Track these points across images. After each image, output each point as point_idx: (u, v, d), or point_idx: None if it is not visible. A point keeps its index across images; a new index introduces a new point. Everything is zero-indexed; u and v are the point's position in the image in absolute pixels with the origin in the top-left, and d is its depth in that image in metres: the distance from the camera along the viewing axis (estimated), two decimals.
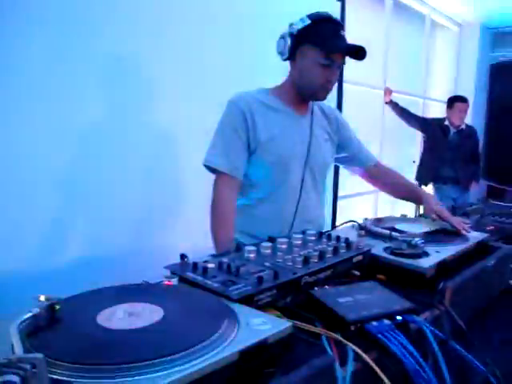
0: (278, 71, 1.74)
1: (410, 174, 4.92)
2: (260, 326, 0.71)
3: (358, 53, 1.59)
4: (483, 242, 1.46)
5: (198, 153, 1.68)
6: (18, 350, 0.57)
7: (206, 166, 1.61)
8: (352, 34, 3.74)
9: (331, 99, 3.61)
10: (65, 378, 0.55)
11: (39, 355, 0.51)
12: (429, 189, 4.90)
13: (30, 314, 0.67)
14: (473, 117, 5.17)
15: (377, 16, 4.83)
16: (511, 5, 5.28)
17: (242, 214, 1.66)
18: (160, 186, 2.44)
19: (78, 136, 2.12)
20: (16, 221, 1.95)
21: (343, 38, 1.59)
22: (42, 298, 0.73)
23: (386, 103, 4.73)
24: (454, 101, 4.49)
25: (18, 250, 1.94)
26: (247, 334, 0.68)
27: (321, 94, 1.65)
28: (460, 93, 4.99)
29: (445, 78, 6.31)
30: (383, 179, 1.93)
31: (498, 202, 2.65)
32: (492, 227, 1.82)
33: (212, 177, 1.65)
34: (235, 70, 2.61)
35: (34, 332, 0.66)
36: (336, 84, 3.49)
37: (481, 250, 1.42)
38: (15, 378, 0.48)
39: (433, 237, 1.44)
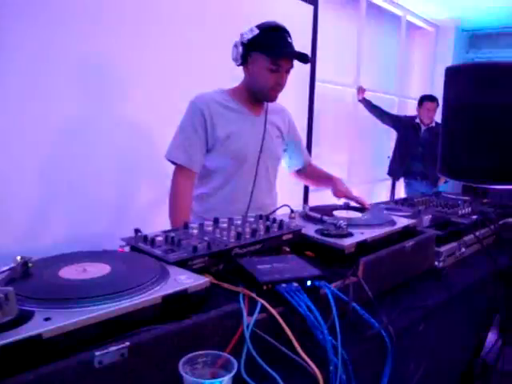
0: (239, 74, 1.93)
1: (383, 169, 5.15)
2: (184, 280, 0.92)
3: (303, 57, 1.80)
4: (410, 227, 1.67)
5: (165, 145, 1.89)
6: None
7: (167, 159, 1.83)
8: (326, 36, 3.97)
9: (303, 97, 3.83)
10: (29, 308, 0.76)
11: (10, 288, 0.72)
12: (400, 184, 5.13)
13: (7, 267, 0.88)
14: None
15: (351, 18, 5.01)
16: (486, 7, 5.49)
17: (201, 202, 1.89)
18: (133, 176, 2.64)
19: (59, 130, 2.30)
20: (3, 205, 2.14)
21: (289, 45, 1.79)
22: (19, 257, 0.93)
23: (359, 101, 4.92)
24: (423, 100, 4.70)
25: (6, 233, 2.14)
26: (172, 285, 0.90)
27: (271, 96, 1.87)
28: (435, 92, 5.20)
29: (421, 78, 6.52)
30: (307, 174, 2.21)
31: (453, 195, 2.85)
32: (429, 216, 2.03)
33: None
34: (206, 68, 2.79)
35: (9, 280, 0.88)
36: (308, 83, 3.71)
37: (408, 235, 1.62)
38: None
39: (365, 221, 1.64)
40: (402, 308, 1.33)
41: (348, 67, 5.00)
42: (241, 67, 1.88)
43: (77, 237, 2.34)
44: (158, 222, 2.02)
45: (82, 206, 2.42)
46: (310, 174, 2.21)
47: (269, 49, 1.76)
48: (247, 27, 1.83)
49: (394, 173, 5.00)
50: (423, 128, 4.74)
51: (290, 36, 1.80)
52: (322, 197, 4.61)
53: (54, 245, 2.28)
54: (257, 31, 1.76)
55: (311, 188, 4.06)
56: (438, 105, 4.64)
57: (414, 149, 4.76)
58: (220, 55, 2.38)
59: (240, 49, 1.79)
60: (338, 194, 1.97)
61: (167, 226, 1.73)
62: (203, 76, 2.65)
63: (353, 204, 1.89)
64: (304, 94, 3.79)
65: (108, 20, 2.44)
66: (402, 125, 4.89)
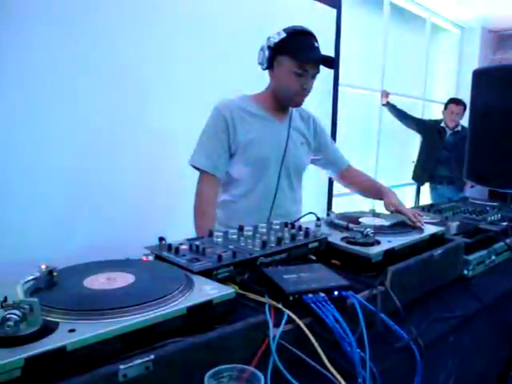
0: (265, 78, 1.91)
1: (409, 174, 5.08)
2: (209, 290, 0.90)
3: (330, 62, 1.78)
4: (438, 235, 1.63)
5: (189, 152, 1.88)
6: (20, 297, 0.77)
7: (191, 164, 1.82)
8: (349, 39, 3.94)
9: (327, 102, 3.80)
10: (54, 319, 0.76)
11: (35, 299, 0.72)
12: (425, 189, 5.06)
13: (31, 277, 0.88)
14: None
15: (375, 20, 4.97)
16: None
17: (224, 209, 1.88)
18: (155, 182, 2.64)
19: (83, 137, 2.33)
20: (31, 213, 2.16)
21: (316, 49, 1.77)
22: (43, 266, 0.93)
23: (384, 105, 4.88)
24: (448, 102, 4.63)
25: (34, 237, 2.16)
26: (197, 296, 0.88)
27: (297, 101, 1.84)
28: (461, 95, 5.12)
29: (446, 80, 6.43)
30: (353, 181, 2.13)
31: (481, 201, 2.79)
32: (458, 223, 1.98)
33: None
34: (224, 75, 2.79)
35: (35, 290, 0.87)
36: (331, 87, 3.68)
37: (436, 242, 1.59)
38: (17, 313, 0.69)
39: (391, 229, 1.61)
40: (432, 319, 1.29)
41: (372, 71, 4.96)
42: (266, 72, 1.86)
43: (98, 243, 2.34)
44: (180, 229, 2.02)
45: (104, 213, 2.44)
46: (355, 181, 2.14)
47: (296, 53, 1.74)
48: (270, 32, 1.81)
49: (419, 178, 4.93)
50: (449, 132, 4.66)
51: (316, 40, 1.78)
52: (346, 203, 4.61)
53: (76, 251, 2.28)
54: (284, 35, 1.75)
55: (335, 193, 4.03)
56: (464, 109, 4.55)
57: (439, 153, 4.68)
58: (243, 60, 2.37)
59: (266, 52, 1.77)
60: (389, 207, 1.86)
61: (189, 233, 1.72)
62: (227, 81, 2.65)
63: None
64: (327, 99, 3.76)
65: (131, 26, 2.46)
66: (426, 129, 4.82)
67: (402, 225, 1.68)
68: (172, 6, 2.61)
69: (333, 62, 1.78)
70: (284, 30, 1.77)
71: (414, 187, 5.25)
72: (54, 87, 2.20)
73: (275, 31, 1.80)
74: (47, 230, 2.25)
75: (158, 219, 2.65)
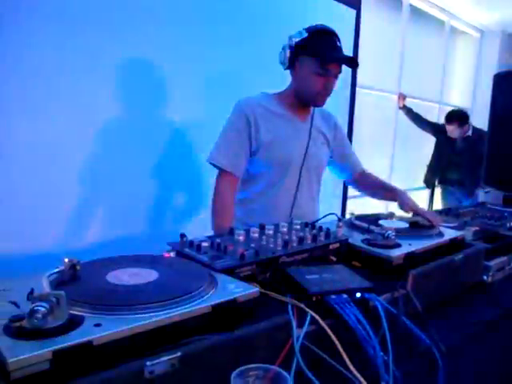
0: (286, 76, 1.91)
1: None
2: (233, 289, 0.90)
3: (352, 62, 1.76)
4: (458, 240, 1.61)
5: (207, 150, 1.88)
6: (47, 290, 0.77)
7: (210, 162, 1.81)
8: (367, 40, 3.92)
9: (343, 103, 3.78)
10: (79, 313, 0.75)
11: (61, 292, 0.71)
12: (436, 191, 5.03)
13: (56, 270, 0.88)
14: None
15: (393, 22, 4.95)
16: None
17: (243, 207, 1.87)
18: (172, 178, 2.64)
19: (98, 133, 2.33)
20: (46, 209, 2.17)
21: (338, 49, 1.75)
22: (66, 260, 0.93)
23: (400, 108, 4.85)
24: (444, 119, 4.63)
25: (47, 233, 2.17)
26: (221, 294, 0.87)
27: (318, 101, 1.83)
28: (477, 99, 5.10)
29: (464, 84, 6.38)
30: (365, 183, 2.12)
31: (497, 206, 2.76)
32: (477, 228, 1.96)
33: None
34: (244, 73, 2.79)
35: (58, 283, 0.87)
36: (349, 88, 3.66)
37: (456, 247, 1.57)
38: (45, 305, 0.68)
39: (411, 232, 1.60)
40: (452, 324, 1.28)
41: (389, 73, 4.93)
42: (287, 71, 1.85)
43: (113, 239, 2.35)
44: (195, 225, 2.03)
45: (119, 209, 2.44)
46: (367, 183, 2.13)
47: (318, 52, 1.72)
48: (290, 31, 1.80)
49: (429, 181, 4.92)
50: (458, 138, 4.65)
51: (339, 40, 1.77)
52: (361, 204, 4.59)
53: (92, 246, 2.30)
54: (306, 34, 1.73)
55: (350, 194, 4.01)
56: (460, 123, 4.54)
57: (450, 157, 4.68)
58: (264, 59, 2.36)
59: (288, 52, 1.76)
60: (405, 207, 1.85)
61: (206, 230, 1.72)
62: (247, 79, 2.65)
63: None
64: (345, 100, 3.74)
65: (150, 21, 2.46)
66: (440, 132, 4.81)
67: (422, 228, 1.67)
68: (194, 3, 2.61)
69: (356, 62, 1.76)
70: (306, 30, 1.75)
71: (428, 191, 5.22)
72: (71, 82, 2.21)
73: (295, 31, 1.79)
74: (61, 224, 2.25)
75: (174, 217, 2.66)
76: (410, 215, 1.82)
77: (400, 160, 5.26)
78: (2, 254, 2.01)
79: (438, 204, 4.93)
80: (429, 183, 4.93)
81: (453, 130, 4.58)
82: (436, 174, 4.80)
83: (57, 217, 2.22)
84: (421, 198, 5.68)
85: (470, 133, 4.60)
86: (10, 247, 2.04)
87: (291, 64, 1.79)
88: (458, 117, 4.56)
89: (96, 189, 2.36)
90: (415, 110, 4.88)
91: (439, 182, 4.86)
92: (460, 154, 4.62)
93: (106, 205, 2.41)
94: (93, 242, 2.32)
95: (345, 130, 3.77)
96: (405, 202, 1.84)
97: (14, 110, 2.05)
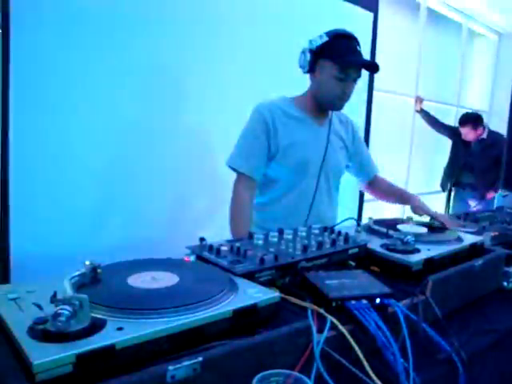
0: (304, 80, 1.90)
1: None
2: (254, 294, 0.90)
3: (373, 67, 1.76)
4: (477, 245, 1.59)
5: (226, 153, 1.88)
6: (70, 293, 0.77)
7: (228, 165, 1.81)
8: (384, 43, 3.90)
9: (361, 106, 3.77)
10: (101, 317, 0.76)
11: (84, 296, 0.72)
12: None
13: (78, 272, 0.88)
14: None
15: (411, 25, 4.92)
16: None
17: (260, 211, 1.87)
18: (190, 181, 2.65)
19: (115, 137, 2.34)
20: (63, 211, 2.19)
21: (358, 54, 1.75)
22: (88, 262, 0.93)
23: (417, 111, 4.83)
24: (458, 123, 4.62)
25: (67, 235, 2.18)
26: (242, 299, 0.87)
27: (337, 105, 1.82)
28: (495, 102, 5.06)
29: (482, 87, 6.33)
30: (379, 189, 2.12)
31: None
32: (496, 233, 1.94)
33: None
34: (262, 77, 2.78)
35: (80, 286, 0.88)
36: (366, 92, 3.65)
37: (475, 252, 1.55)
38: (69, 308, 0.69)
39: (430, 237, 1.58)
40: (473, 331, 1.27)
41: (407, 76, 4.91)
42: (307, 75, 1.85)
43: (131, 242, 2.36)
44: (214, 229, 2.03)
45: (137, 211, 2.45)
46: (381, 188, 2.14)
47: (338, 56, 1.72)
48: (309, 34, 1.80)
49: (444, 184, 4.91)
50: (473, 141, 4.63)
51: (359, 44, 1.76)
52: (377, 208, 4.57)
53: (110, 249, 2.30)
54: (326, 38, 1.73)
55: (366, 199, 3.99)
56: (474, 125, 4.53)
57: (465, 160, 4.68)
58: (282, 62, 2.36)
59: (308, 55, 1.76)
60: (418, 211, 1.86)
61: (223, 233, 1.72)
62: (266, 82, 2.65)
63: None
64: (362, 103, 3.73)
65: (170, 24, 2.47)
66: (454, 135, 4.81)
67: (441, 233, 1.65)
68: (212, 6, 2.62)
69: (376, 67, 1.75)
70: (326, 34, 1.75)
71: (445, 195, 5.20)
72: (90, 84, 2.22)
73: (314, 34, 1.78)
74: (77, 226, 2.27)
75: (192, 220, 2.66)
76: (425, 219, 1.81)
77: (417, 164, 5.22)
78: (18, 255, 2.04)
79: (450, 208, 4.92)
80: (445, 186, 4.92)
81: (467, 133, 4.57)
82: (451, 177, 4.79)
83: (73, 218, 2.23)
84: (438, 202, 5.65)
85: (485, 136, 4.60)
86: (27, 248, 2.06)
87: (311, 68, 1.79)
88: (472, 119, 4.55)
89: (113, 190, 2.37)
90: (432, 113, 4.85)
91: (453, 185, 4.84)
92: (474, 157, 4.61)
93: (122, 206, 2.42)
94: (110, 243, 2.32)
95: (362, 133, 3.79)
96: (417, 206, 1.85)
97: (31, 110, 2.07)
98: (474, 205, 4.69)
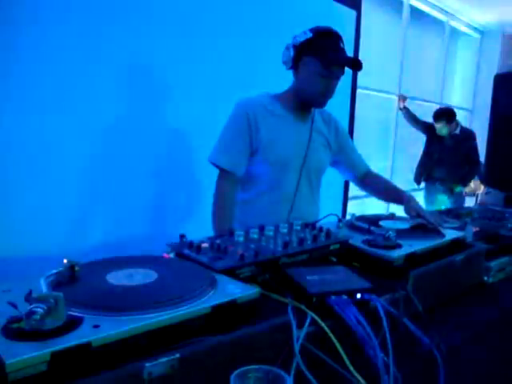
0: (287, 76, 1.89)
1: None
2: (233, 290, 0.89)
3: (357, 64, 1.76)
4: (459, 240, 1.60)
5: (207, 150, 1.87)
6: (45, 291, 0.76)
7: (210, 162, 1.81)
8: (367, 41, 3.92)
9: (344, 104, 3.78)
10: (78, 314, 0.75)
11: (60, 294, 0.71)
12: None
13: (54, 271, 0.87)
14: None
15: (394, 23, 4.95)
16: None
17: (242, 207, 1.86)
18: (172, 179, 2.64)
19: (99, 133, 2.33)
20: (45, 211, 2.17)
21: (342, 51, 1.74)
22: (65, 261, 0.92)
23: (400, 109, 4.89)
24: (433, 118, 4.72)
25: (47, 236, 2.16)
26: (221, 295, 0.87)
27: (320, 102, 1.82)
28: (478, 100, 5.13)
29: (464, 85, 6.39)
30: (372, 185, 2.09)
31: (497, 207, 2.76)
32: (477, 228, 1.96)
33: None
34: (244, 74, 2.78)
35: (57, 284, 0.86)
36: (349, 89, 3.66)
37: (456, 247, 1.56)
38: (43, 306, 0.68)
39: (412, 233, 1.59)
40: (453, 325, 1.27)
41: (390, 74, 4.94)
42: (288, 72, 1.84)
43: (113, 241, 2.35)
44: (196, 226, 2.02)
45: (119, 210, 2.44)
46: (375, 185, 2.11)
47: (321, 53, 1.71)
48: (290, 31, 1.80)
49: (417, 178, 4.99)
50: (446, 136, 4.71)
51: (342, 42, 1.76)
52: (361, 206, 4.59)
53: (92, 248, 2.29)
54: (310, 34, 1.72)
55: (350, 196, 4.01)
56: (448, 120, 4.64)
57: (437, 155, 4.80)
58: (263, 59, 2.36)
59: (291, 51, 1.75)
60: (411, 212, 1.81)
61: (205, 230, 1.71)
62: (247, 79, 2.64)
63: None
64: (345, 101, 3.74)
65: (151, 22, 2.46)
66: (429, 131, 4.90)
67: (423, 228, 1.66)
68: (194, 4, 2.61)
69: (359, 65, 1.75)
70: (310, 30, 1.74)
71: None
72: (70, 85, 2.21)
73: (297, 31, 1.78)
74: (60, 226, 2.25)
75: (175, 217, 2.66)
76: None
77: (400, 161, 5.26)
78: (2, 255, 2.01)
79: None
80: (417, 180, 5.00)
81: (441, 128, 4.68)
82: (423, 170, 4.88)
83: (57, 218, 2.22)
84: (419, 199, 5.69)
85: (457, 131, 4.70)
86: (11, 248, 2.04)
87: (294, 64, 1.78)
88: (446, 114, 4.65)
89: (96, 190, 2.36)
90: (415, 111, 4.93)
91: (425, 180, 4.92)
92: (447, 152, 4.72)
93: (106, 206, 2.41)
94: (94, 243, 2.31)
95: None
96: (411, 207, 1.82)
97: (14, 111, 2.05)
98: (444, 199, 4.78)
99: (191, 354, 0.72)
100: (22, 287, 0.83)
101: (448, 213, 2.28)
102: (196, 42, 2.63)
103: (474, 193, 4.97)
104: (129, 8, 2.36)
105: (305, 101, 1.84)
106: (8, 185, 2.06)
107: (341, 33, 1.79)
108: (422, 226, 1.67)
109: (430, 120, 5.05)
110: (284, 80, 1.90)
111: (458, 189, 4.80)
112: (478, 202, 4.77)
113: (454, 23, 5.81)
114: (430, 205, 4.78)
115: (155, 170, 2.56)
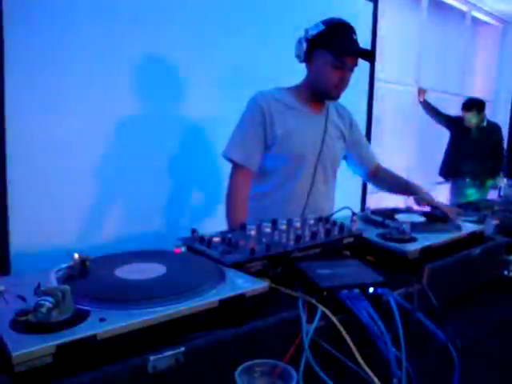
0: (301, 72, 1.88)
1: None
2: (242, 283, 0.89)
3: (369, 55, 1.74)
4: (477, 234, 1.57)
5: (221, 145, 1.87)
6: (53, 284, 0.77)
7: (224, 156, 1.80)
8: (385, 33, 3.87)
9: (362, 97, 3.74)
10: (85, 308, 0.75)
11: (66, 286, 0.71)
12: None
13: (65, 265, 0.88)
14: None
15: (413, 14, 4.88)
16: None
17: (257, 201, 1.85)
18: (186, 175, 2.65)
19: (113, 131, 2.35)
20: (61, 207, 2.19)
21: (354, 42, 1.73)
22: (76, 255, 0.93)
23: (420, 102, 4.81)
24: (461, 108, 4.63)
25: (61, 231, 2.19)
26: (229, 289, 0.86)
27: (334, 94, 1.81)
28: (501, 91, 5.04)
29: (486, 76, 6.27)
30: (382, 179, 2.08)
31: None
32: (497, 221, 1.92)
33: None
34: (259, 69, 2.78)
35: (67, 278, 0.87)
36: (367, 82, 3.63)
37: (474, 241, 1.53)
38: (50, 299, 0.69)
39: (427, 226, 1.57)
40: (470, 320, 1.25)
41: (409, 66, 4.87)
42: (303, 65, 1.83)
43: (128, 236, 2.36)
44: (211, 222, 2.03)
45: (133, 206, 2.45)
46: (384, 179, 2.09)
47: (334, 45, 1.70)
48: (306, 24, 1.78)
49: (445, 173, 4.90)
50: (474, 128, 4.63)
51: (355, 33, 1.74)
52: (380, 200, 4.54)
53: (106, 243, 2.31)
54: (322, 27, 1.71)
55: (369, 190, 3.97)
56: (479, 111, 4.55)
57: (465, 148, 4.68)
58: (279, 53, 2.34)
59: (304, 45, 1.74)
60: (421, 202, 1.81)
61: (220, 226, 1.71)
62: (261, 75, 2.63)
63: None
64: (363, 94, 3.70)
65: (165, 19, 2.46)
66: (454, 125, 4.81)
67: (439, 222, 1.63)
68: (210, 2, 2.60)
69: (372, 55, 1.74)
70: (322, 22, 1.73)
71: (447, 184, 5.17)
72: (83, 84, 2.22)
73: (311, 23, 1.77)
74: (74, 221, 2.27)
75: (190, 213, 2.66)
76: (426, 209, 1.78)
77: (420, 154, 5.19)
78: (17, 251, 2.04)
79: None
80: (447, 175, 4.91)
81: (471, 118, 4.58)
82: (452, 165, 4.79)
83: (72, 214, 2.24)
84: (440, 192, 5.61)
85: (485, 123, 4.61)
86: (26, 244, 2.07)
87: (307, 57, 1.77)
88: (477, 104, 4.57)
89: (111, 186, 2.38)
90: (435, 103, 4.84)
91: (454, 175, 4.83)
92: (474, 145, 4.64)
93: (120, 202, 2.42)
94: (108, 239, 2.33)
95: (363, 124, 3.77)
96: (421, 197, 1.80)
97: (29, 109, 2.07)
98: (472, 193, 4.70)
99: (196, 347, 0.72)
100: (32, 281, 0.84)
101: (467, 206, 2.24)
102: (209, 38, 2.62)
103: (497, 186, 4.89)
104: (145, 7, 2.36)
105: (318, 93, 1.83)
106: (23, 182, 2.08)
107: (357, 25, 1.77)
108: (435, 216, 1.65)
109: (451, 113, 4.98)
110: (299, 74, 1.88)
111: (491, 182, 4.72)
112: (502, 194, 4.70)
113: (475, 13, 5.70)
114: (458, 199, 4.71)
115: (169, 167, 2.57)
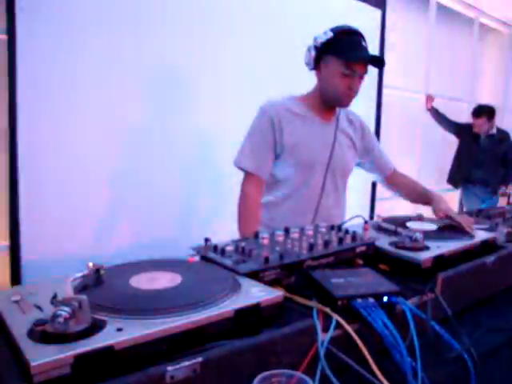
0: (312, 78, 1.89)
1: None
2: (256, 293, 0.89)
3: (379, 62, 1.74)
4: (489, 242, 1.57)
5: (233, 152, 1.87)
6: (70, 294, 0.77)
7: (236, 165, 1.80)
8: (394, 40, 3.87)
9: (370, 104, 3.74)
10: (102, 318, 0.75)
11: (83, 296, 0.71)
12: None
13: (80, 274, 0.88)
14: None
15: (420, 21, 4.88)
16: None
17: (268, 210, 1.85)
18: (197, 183, 2.65)
19: (125, 139, 2.36)
20: (74, 213, 2.20)
21: (363, 49, 1.72)
22: (91, 264, 0.93)
23: (428, 110, 4.80)
24: (472, 114, 4.61)
25: (74, 239, 2.19)
26: (244, 298, 0.86)
27: (344, 102, 1.80)
28: (509, 98, 5.01)
29: (494, 83, 6.25)
30: (399, 185, 2.07)
31: None
32: (509, 229, 1.90)
33: None
34: (269, 76, 2.79)
35: (83, 287, 0.87)
36: (375, 89, 3.63)
37: (487, 249, 1.52)
38: (67, 309, 0.69)
39: (440, 234, 1.56)
40: (485, 329, 1.24)
41: (417, 72, 4.87)
42: (313, 72, 1.83)
43: (140, 243, 2.37)
44: (222, 230, 2.03)
45: (145, 213, 2.46)
46: (402, 185, 2.08)
47: (343, 52, 1.70)
48: (315, 32, 1.79)
49: (454, 180, 4.87)
50: (483, 136, 4.61)
51: (364, 40, 1.74)
52: (389, 207, 4.53)
53: (118, 251, 2.32)
54: (331, 34, 1.72)
55: (378, 197, 3.96)
56: (489, 118, 4.54)
57: (474, 156, 4.67)
58: (289, 61, 2.35)
59: (313, 52, 1.75)
60: (439, 213, 1.78)
61: (231, 233, 1.71)
62: (272, 82, 2.64)
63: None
64: (371, 101, 3.71)
65: (178, 23, 2.47)
66: (463, 132, 4.80)
67: (452, 230, 1.63)
68: (223, 7, 2.62)
69: (382, 62, 1.73)
70: (331, 30, 1.73)
71: (455, 192, 5.15)
72: (99, 86, 2.23)
73: (321, 31, 1.77)
74: (87, 229, 2.28)
75: (201, 220, 2.67)
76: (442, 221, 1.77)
77: (427, 161, 5.18)
78: (29, 258, 2.05)
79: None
80: (456, 183, 4.89)
81: (481, 125, 4.57)
82: (461, 172, 4.77)
83: (84, 221, 2.25)
84: (449, 200, 5.58)
85: (494, 131, 4.59)
86: (38, 251, 2.07)
87: (316, 65, 1.77)
88: (487, 111, 4.55)
89: (124, 192, 2.39)
90: (443, 110, 4.83)
91: (463, 182, 4.81)
92: (484, 152, 4.62)
93: (133, 209, 2.43)
94: (120, 246, 2.34)
95: (372, 131, 3.76)
96: (439, 207, 1.78)
97: (40, 112, 2.09)
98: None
99: (213, 357, 0.71)
100: (48, 290, 0.84)
101: (478, 213, 2.23)
102: (221, 44, 2.64)
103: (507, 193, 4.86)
104: (156, 11, 2.38)
105: (328, 101, 1.83)
106: (35, 188, 2.09)
107: (366, 32, 1.77)
108: (450, 227, 1.64)
109: (459, 120, 4.96)
110: (309, 82, 1.88)
111: (502, 190, 4.70)
112: (494, 198, 4.70)
113: (483, 19, 5.70)
114: (469, 207, 4.68)
115: (181, 174, 2.58)
